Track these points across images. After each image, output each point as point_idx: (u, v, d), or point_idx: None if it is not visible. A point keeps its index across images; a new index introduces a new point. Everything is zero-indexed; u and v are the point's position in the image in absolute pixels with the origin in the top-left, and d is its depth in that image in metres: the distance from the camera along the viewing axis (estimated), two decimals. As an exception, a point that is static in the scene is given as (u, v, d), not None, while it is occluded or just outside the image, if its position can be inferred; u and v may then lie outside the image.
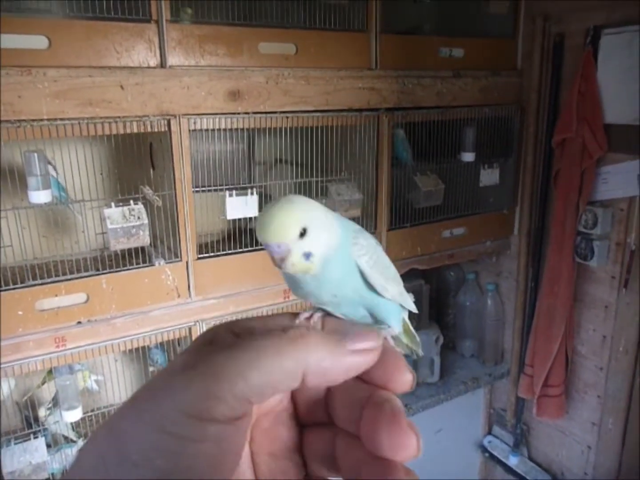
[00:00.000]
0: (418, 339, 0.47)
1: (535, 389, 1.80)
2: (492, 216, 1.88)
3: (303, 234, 0.32)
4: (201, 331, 1.39)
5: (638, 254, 1.58)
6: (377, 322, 0.39)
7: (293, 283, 0.37)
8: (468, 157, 1.75)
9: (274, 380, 0.25)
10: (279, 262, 0.33)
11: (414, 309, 0.44)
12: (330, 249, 0.34)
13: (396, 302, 0.40)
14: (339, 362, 0.26)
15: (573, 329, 1.77)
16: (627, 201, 1.59)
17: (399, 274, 0.42)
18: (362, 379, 0.29)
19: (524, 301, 1.94)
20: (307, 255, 0.33)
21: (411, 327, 0.45)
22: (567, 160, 1.65)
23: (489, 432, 2.22)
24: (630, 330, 1.64)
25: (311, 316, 0.35)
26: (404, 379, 0.28)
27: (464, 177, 1.77)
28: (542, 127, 1.78)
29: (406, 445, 0.25)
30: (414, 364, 2.00)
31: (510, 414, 2.08)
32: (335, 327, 0.33)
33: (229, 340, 0.27)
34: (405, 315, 0.44)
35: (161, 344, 1.47)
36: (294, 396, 0.32)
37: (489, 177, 1.78)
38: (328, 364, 0.26)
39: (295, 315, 0.33)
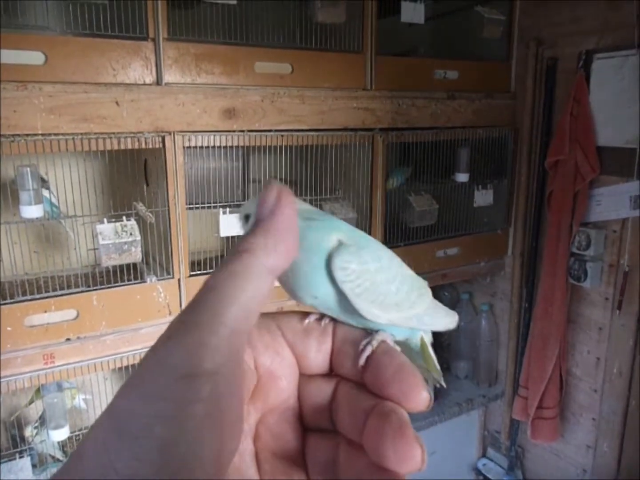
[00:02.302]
0: (439, 367, 0.41)
1: (530, 411, 1.78)
2: (486, 236, 1.88)
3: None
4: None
5: (631, 275, 1.58)
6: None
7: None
8: (462, 177, 1.76)
9: (251, 303, 0.25)
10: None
11: (440, 327, 0.39)
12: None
13: (400, 325, 0.36)
14: (274, 227, 0.27)
15: (567, 351, 1.76)
16: (620, 223, 1.59)
17: (425, 287, 0.39)
18: (373, 391, 0.28)
19: (518, 322, 1.93)
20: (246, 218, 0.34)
21: (431, 351, 0.40)
22: (560, 182, 1.66)
23: (484, 455, 2.19)
24: (624, 352, 1.64)
25: (321, 318, 0.33)
26: (420, 398, 0.27)
27: (458, 197, 1.78)
28: (535, 149, 1.80)
29: (412, 457, 0.25)
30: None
31: (505, 436, 2.05)
32: (346, 335, 0.33)
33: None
34: (427, 336, 0.40)
35: (152, 362, 1.45)
36: (300, 398, 0.32)
37: (483, 197, 1.79)
38: (271, 241, 0.27)
39: (305, 314, 0.33)
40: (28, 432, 1.36)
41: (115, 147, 1.19)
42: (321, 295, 0.33)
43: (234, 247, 0.27)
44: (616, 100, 1.54)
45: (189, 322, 0.24)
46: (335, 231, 0.33)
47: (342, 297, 0.33)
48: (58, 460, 1.40)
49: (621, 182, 1.57)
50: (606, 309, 1.67)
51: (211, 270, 1.35)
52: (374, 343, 0.31)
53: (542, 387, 1.74)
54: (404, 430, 0.26)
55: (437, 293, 2.15)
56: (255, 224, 0.27)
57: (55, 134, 1.13)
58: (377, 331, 0.33)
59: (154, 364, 0.23)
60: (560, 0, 1.67)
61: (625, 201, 1.55)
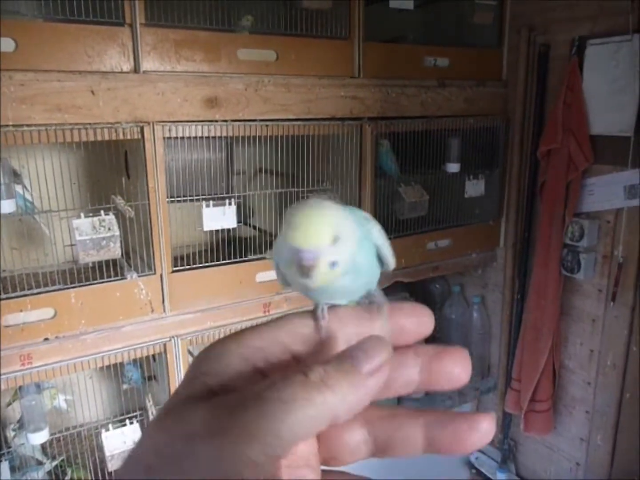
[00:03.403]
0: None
1: (523, 404, 1.76)
2: (477, 228, 1.85)
3: (334, 241, 0.30)
4: (176, 347, 1.34)
5: (626, 266, 1.55)
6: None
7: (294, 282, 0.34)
8: (453, 167, 1.72)
9: (304, 432, 0.23)
10: (307, 271, 0.30)
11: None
12: (353, 258, 0.32)
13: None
14: (362, 392, 0.25)
15: (560, 343, 1.74)
16: (614, 213, 1.56)
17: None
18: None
19: (510, 314, 1.90)
20: (333, 265, 0.31)
21: None
22: (552, 172, 1.63)
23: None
24: (618, 344, 1.61)
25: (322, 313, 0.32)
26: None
27: (449, 188, 1.74)
28: (527, 138, 1.76)
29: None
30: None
31: (498, 430, 2.03)
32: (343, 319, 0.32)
33: (249, 394, 0.24)
34: None
35: (135, 360, 1.40)
36: None
37: (474, 188, 1.75)
38: (353, 398, 0.25)
39: (304, 314, 0.31)
40: (9, 433, 1.32)
41: (92, 138, 1.13)
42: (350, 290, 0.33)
43: (303, 363, 0.25)
44: (610, 88, 1.50)
45: (244, 428, 0.23)
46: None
47: (374, 274, 0.35)
48: (40, 463, 1.36)
49: (615, 172, 1.54)
50: (600, 300, 1.64)
51: (195, 266, 1.31)
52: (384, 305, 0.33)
53: (534, 379, 1.72)
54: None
55: (428, 285, 2.11)
56: (346, 359, 0.25)
57: (28, 125, 1.08)
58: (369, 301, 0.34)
59: (193, 463, 0.22)
60: (552, -16, 1.63)
61: (619, 191, 1.52)
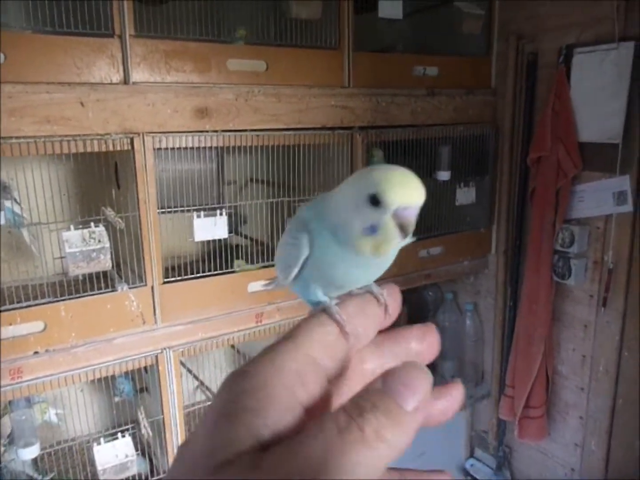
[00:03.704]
0: None
1: (517, 411, 1.76)
2: (469, 235, 1.85)
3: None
4: (168, 359, 1.33)
5: (616, 272, 1.56)
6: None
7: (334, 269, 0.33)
8: (444, 175, 1.73)
9: None
10: (407, 229, 0.30)
11: None
12: None
13: None
14: (412, 432, 0.23)
15: (553, 349, 1.74)
16: (604, 219, 1.57)
17: None
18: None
19: (503, 321, 1.91)
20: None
21: None
22: (542, 179, 1.64)
23: (471, 455, 2.17)
24: (610, 349, 1.62)
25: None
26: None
27: (440, 196, 1.74)
28: (517, 146, 1.77)
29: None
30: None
31: (492, 436, 2.03)
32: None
33: (305, 460, 0.21)
34: None
35: (127, 373, 1.39)
36: None
37: (465, 195, 1.76)
38: (406, 441, 0.23)
39: (320, 320, 0.28)
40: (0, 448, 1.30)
41: (81, 150, 1.13)
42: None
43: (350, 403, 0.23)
44: (598, 95, 1.52)
45: None
46: None
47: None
48: (30, 478, 1.34)
49: (604, 178, 1.55)
50: (591, 306, 1.65)
51: (186, 277, 1.31)
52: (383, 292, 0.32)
53: (528, 386, 1.72)
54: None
55: (421, 292, 2.11)
56: (389, 398, 0.23)
57: (17, 137, 1.07)
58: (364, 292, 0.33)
59: None
60: (539, -6, 1.65)
61: (608, 197, 1.53)
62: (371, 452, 0.21)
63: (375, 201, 0.29)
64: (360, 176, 0.31)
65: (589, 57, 1.53)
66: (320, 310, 0.29)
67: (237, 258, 1.39)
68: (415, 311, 2.13)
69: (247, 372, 0.24)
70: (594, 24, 1.52)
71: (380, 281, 0.34)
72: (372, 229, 0.30)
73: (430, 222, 1.73)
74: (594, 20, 1.51)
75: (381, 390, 0.23)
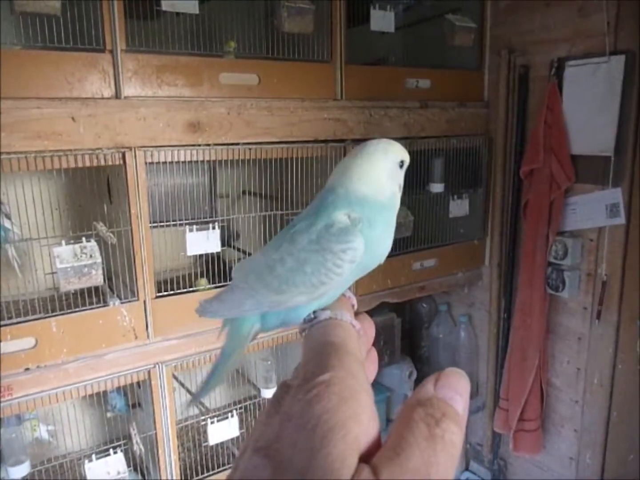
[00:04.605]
0: None
1: (512, 423, 1.75)
2: (462, 247, 1.85)
3: None
4: (161, 374, 1.32)
5: (609, 284, 1.56)
6: None
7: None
8: (437, 188, 1.73)
9: None
10: None
11: None
12: None
13: None
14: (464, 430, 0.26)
15: (547, 361, 1.74)
16: (597, 231, 1.58)
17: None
18: None
19: (497, 333, 1.90)
20: None
21: None
22: (535, 191, 1.64)
23: (466, 468, 2.15)
24: (604, 362, 1.62)
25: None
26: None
27: (433, 208, 1.75)
28: (510, 158, 1.78)
29: None
30: (387, 399, 1.94)
31: (487, 449, 2.02)
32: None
33: None
34: None
35: (119, 388, 1.38)
36: None
37: (458, 208, 1.76)
38: (461, 440, 0.25)
39: (332, 327, 0.32)
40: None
41: (72, 165, 1.12)
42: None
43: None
44: (589, 108, 1.53)
45: None
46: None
47: None
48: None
49: (597, 191, 1.56)
50: (585, 318, 1.65)
51: (178, 291, 1.30)
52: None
53: (522, 398, 1.72)
54: None
55: (415, 305, 2.11)
56: (446, 404, 0.25)
57: (7, 153, 1.07)
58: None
59: None
60: (531, 8, 1.66)
61: (601, 210, 1.54)
62: (453, 459, 0.23)
63: (402, 164, 0.41)
64: (381, 150, 0.40)
65: (580, 70, 1.54)
66: (322, 320, 0.33)
67: (202, 277, 1.39)
68: (409, 323, 2.12)
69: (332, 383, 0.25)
70: (585, 38, 1.53)
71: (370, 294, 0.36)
72: (401, 186, 0.42)
73: (423, 235, 1.73)
74: (584, 33, 1.53)
75: (443, 399, 0.25)
